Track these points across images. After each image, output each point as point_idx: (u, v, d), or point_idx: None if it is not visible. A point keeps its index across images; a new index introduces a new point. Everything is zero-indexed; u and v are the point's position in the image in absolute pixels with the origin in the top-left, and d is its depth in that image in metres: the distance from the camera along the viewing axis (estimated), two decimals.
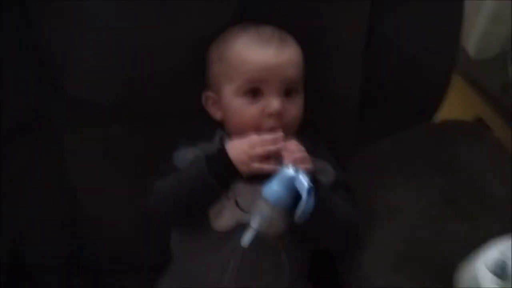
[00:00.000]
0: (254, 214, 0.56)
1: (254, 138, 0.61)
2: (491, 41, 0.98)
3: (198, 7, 0.66)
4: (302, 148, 0.61)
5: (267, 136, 0.60)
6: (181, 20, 0.65)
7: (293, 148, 0.61)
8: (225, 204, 0.62)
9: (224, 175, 0.60)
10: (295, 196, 0.55)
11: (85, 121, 0.72)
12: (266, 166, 0.59)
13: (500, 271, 0.48)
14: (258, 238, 0.56)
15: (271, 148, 0.59)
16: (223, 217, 0.62)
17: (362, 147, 0.76)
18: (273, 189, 0.55)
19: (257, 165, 0.59)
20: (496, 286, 0.48)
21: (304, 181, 0.55)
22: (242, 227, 0.59)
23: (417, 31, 0.74)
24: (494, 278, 0.48)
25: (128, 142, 0.72)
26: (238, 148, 0.60)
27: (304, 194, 0.54)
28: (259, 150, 0.59)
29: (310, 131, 0.68)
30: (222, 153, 0.60)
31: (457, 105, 1.21)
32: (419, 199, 0.66)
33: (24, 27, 0.68)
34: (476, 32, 0.98)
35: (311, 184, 0.55)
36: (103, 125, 0.72)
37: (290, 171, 0.56)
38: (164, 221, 0.68)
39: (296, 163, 0.57)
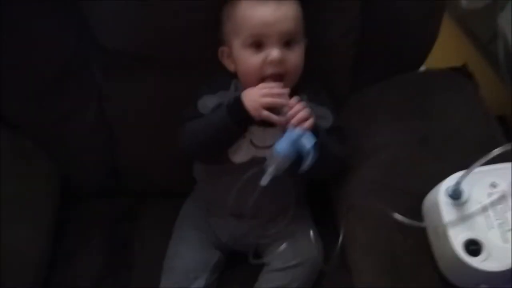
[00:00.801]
0: (269, 163, 0.69)
1: (263, 86, 0.71)
2: None
3: None
4: (303, 104, 0.71)
5: (275, 89, 0.71)
6: None
7: (297, 107, 0.70)
8: (241, 142, 0.75)
9: (241, 120, 0.71)
10: (301, 150, 0.68)
11: (119, 69, 0.83)
12: (273, 117, 0.70)
13: (455, 195, 0.62)
14: (273, 178, 0.69)
15: (277, 100, 0.70)
16: (240, 153, 0.75)
17: (355, 94, 0.87)
18: (283, 146, 0.68)
19: (265, 113, 0.70)
20: (450, 206, 0.61)
21: (307, 140, 0.68)
22: (255, 160, 0.74)
23: None
24: (449, 199, 0.61)
25: (158, 87, 0.83)
26: (250, 97, 0.71)
27: (308, 151, 0.67)
28: (268, 99, 0.70)
29: (313, 79, 0.79)
30: (239, 101, 0.71)
31: (448, 49, 1.29)
32: (399, 139, 0.77)
33: None
34: None
35: (313, 142, 0.68)
36: (135, 72, 0.83)
37: (296, 132, 0.68)
38: (193, 157, 0.81)
39: (300, 123, 0.69)
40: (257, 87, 0.72)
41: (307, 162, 0.68)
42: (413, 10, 0.85)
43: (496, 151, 0.57)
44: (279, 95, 0.71)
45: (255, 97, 0.70)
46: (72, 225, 0.88)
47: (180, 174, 0.86)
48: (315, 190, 0.85)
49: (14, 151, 0.82)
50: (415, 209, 0.68)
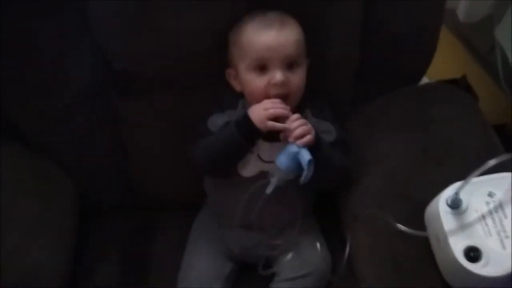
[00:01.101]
0: (272, 176, 0.75)
1: (267, 101, 0.76)
2: (478, 6, 1.09)
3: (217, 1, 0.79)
4: (303, 121, 0.75)
5: (278, 104, 0.75)
6: (207, 10, 0.79)
7: (297, 123, 0.74)
8: (250, 157, 0.79)
9: (249, 134, 0.76)
10: (299, 163, 0.73)
11: (134, 91, 0.88)
12: (277, 125, 0.74)
13: (454, 204, 0.65)
14: (277, 188, 0.75)
15: (280, 111, 0.74)
16: (248, 167, 0.80)
17: (357, 108, 0.91)
18: (283, 160, 0.73)
19: (270, 123, 0.74)
20: (450, 215, 0.64)
21: (305, 155, 0.72)
22: (262, 174, 0.78)
23: (405, 7, 0.86)
24: (448, 209, 0.64)
25: (169, 107, 0.88)
26: (256, 111, 0.75)
27: (305, 165, 0.72)
28: (272, 111, 0.74)
29: (317, 96, 0.83)
30: (246, 117, 0.75)
31: (449, 60, 1.33)
32: (401, 150, 0.81)
33: (79, 13, 0.83)
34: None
35: (310, 157, 0.72)
36: (148, 94, 0.88)
37: (294, 147, 0.73)
38: (204, 172, 0.86)
39: (298, 139, 0.73)
40: (261, 103, 0.76)
41: (304, 176, 0.72)
42: (410, 27, 0.88)
43: (491, 162, 0.60)
44: (281, 106, 0.75)
45: (260, 111, 0.75)
46: (90, 240, 0.91)
47: (192, 188, 0.90)
48: (323, 199, 0.88)
49: (35, 171, 0.86)
50: (417, 217, 0.70)
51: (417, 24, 0.88)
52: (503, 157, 0.60)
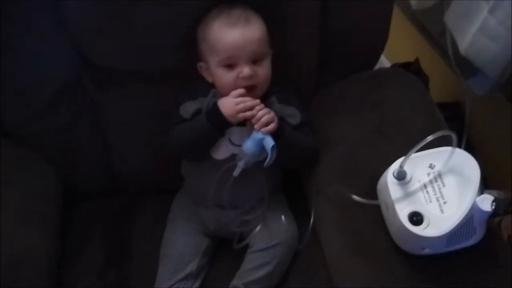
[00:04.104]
0: (239, 159, 0.83)
1: (236, 95, 0.82)
2: None
3: None
4: (268, 110, 0.82)
5: (245, 94, 0.83)
6: (175, 5, 0.85)
7: (262, 113, 0.81)
8: (221, 141, 0.87)
9: (219, 125, 0.84)
10: (263, 149, 0.81)
11: (111, 82, 0.94)
12: (246, 114, 0.82)
13: (400, 176, 0.74)
14: (244, 170, 0.83)
15: (249, 104, 0.82)
16: (220, 150, 0.87)
17: (318, 93, 0.99)
18: (249, 146, 0.82)
19: (241, 115, 0.82)
20: (396, 185, 0.73)
21: (268, 142, 0.81)
22: (233, 156, 0.86)
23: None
24: (395, 180, 0.73)
25: (145, 97, 0.95)
26: (226, 105, 0.83)
27: (269, 150, 0.81)
28: (241, 106, 0.81)
29: (282, 83, 0.91)
30: (217, 110, 0.83)
31: (404, 44, 1.43)
32: (358, 130, 0.89)
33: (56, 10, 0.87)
34: None
35: (273, 143, 0.80)
36: (125, 85, 0.94)
37: (259, 134, 0.81)
38: (179, 156, 0.93)
39: (263, 127, 0.81)
40: (230, 95, 0.83)
41: (268, 160, 0.81)
42: (363, 19, 0.96)
43: (429, 138, 0.70)
44: (250, 101, 0.82)
45: (231, 105, 0.82)
46: (74, 225, 0.98)
47: (169, 173, 0.97)
48: (292, 178, 0.97)
49: (20, 160, 0.92)
50: (372, 190, 0.79)
51: (370, 16, 0.96)
52: (438, 134, 0.70)
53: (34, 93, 0.92)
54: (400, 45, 1.35)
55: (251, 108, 0.82)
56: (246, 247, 0.91)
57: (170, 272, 0.87)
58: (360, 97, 0.95)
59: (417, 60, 1.27)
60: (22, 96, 0.92)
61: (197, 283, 0.88)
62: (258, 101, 0.83)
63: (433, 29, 1.31)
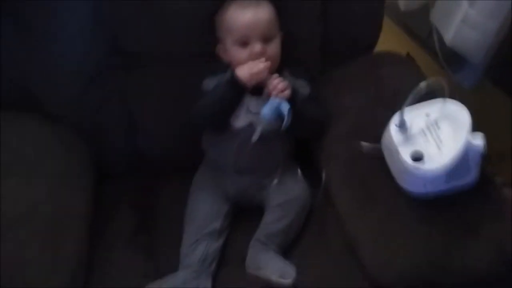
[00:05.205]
0: (257, 125, 0.93)
1: (251, 62, 0.95)
2: None
3: None
4: (281, 79, 0.93)
5: (259, 61, 0.94)
6: None
7: (277, 81, 0.93)
8: (240, 110, 0.97)
9: (238, 90, 0.95)
10: (281, 114, 0.92)
11: (139, 66, 1.06)
12: (261, 76, 0.93)
13: (401, 124, 0.84)
14: (262, 136, 0.93)
15: (261, 66, 0.93)
16: (239, 119, 0.98)
17: (324, 74, 1.12)
18: (266, 111, 0.92)
19: (255, 77, 0.93)
20: (398, 132, 0.84)
21: (284, 106, 0.92)
22: (251, 125, 0.97)
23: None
24: (397, 128, 0.83)
25: (169, 78, 1.06)
26: (243, 70, 0.94)
27: (285, 113, 0.91)
28: (255, 69, 0.93)
29: (292, 60, 1.02)
30: (235, 76, 0.95)
31: (393, 47, 1.56)
32: (360, 102, 1.01)
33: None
34: None
35: (288, 107, 0.91)
36: (151, 67, 1.06)
37: (276, 100, 0.92)
38: (204, 125, 1.03)
39: (279, 92, 0.92)
40: (247, 64, 0.95)
41: (285, 123, 0.91)
42: (361, 11, 1.11)
43: (421, 85, 0.81)
44: (262, 64, 0.94)
45: (245, 69, 0.94)
46: (104, 198, 1.06)
47: (191, 153, 1.07)
48: (303, 150, 1.07)
49: (59, 137, 1.02)
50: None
51: (366, 9, 1.11)
52: (430, 81, 0.81)
53: (71, 77, 1.04)
54: (388, 48, 1.49)
55: (265, 72, 0.93)
56: (263, 212, 0.99)
57: (196, 228, 0.96)
58: (361, 76, 1.07)
59: (408, 53, 1.40)
60: (61, 80, 1.03)
61: (220, 241, 0.96)
62: (269, 63, 0.95)
63: (420, 31, 1.46)
